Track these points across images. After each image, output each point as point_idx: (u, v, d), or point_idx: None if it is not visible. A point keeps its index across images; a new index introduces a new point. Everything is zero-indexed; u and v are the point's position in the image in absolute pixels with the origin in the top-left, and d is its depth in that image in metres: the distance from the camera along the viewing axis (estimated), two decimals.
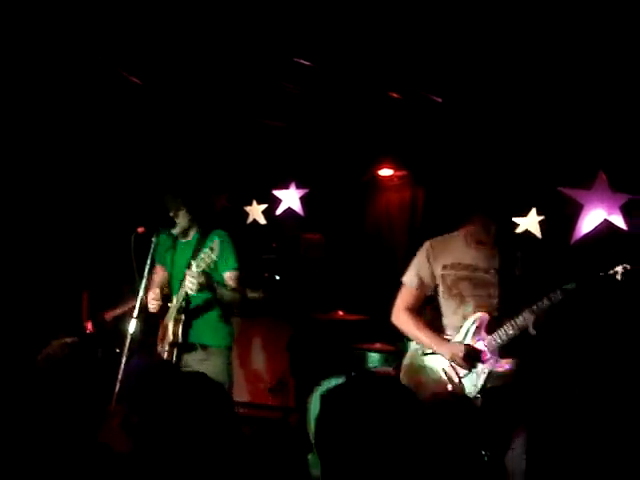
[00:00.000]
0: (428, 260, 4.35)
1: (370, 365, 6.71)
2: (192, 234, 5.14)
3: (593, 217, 6.42)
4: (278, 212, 8.39)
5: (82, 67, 6.11)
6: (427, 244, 4.42)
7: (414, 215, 7.78)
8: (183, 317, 4.92)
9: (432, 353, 4.26)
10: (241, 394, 7.42)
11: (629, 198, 6.25)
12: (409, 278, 4.42)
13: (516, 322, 4.03)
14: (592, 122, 6.25)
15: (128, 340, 4.56)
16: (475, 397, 4.05)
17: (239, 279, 4.98)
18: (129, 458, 2.36)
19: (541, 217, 6.74)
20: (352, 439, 1.90)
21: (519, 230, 6.74)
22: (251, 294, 7.31)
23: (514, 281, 4.17)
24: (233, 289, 4.94)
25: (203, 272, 4.58)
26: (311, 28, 5.27)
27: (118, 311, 6.84)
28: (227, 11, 5.12)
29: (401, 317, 4.43)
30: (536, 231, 6.74)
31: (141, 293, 4.67)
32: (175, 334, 4.92)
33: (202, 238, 5.05)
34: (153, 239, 4.78)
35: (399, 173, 7.89)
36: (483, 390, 4.06)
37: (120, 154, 7.86)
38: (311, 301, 7.76)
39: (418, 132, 7.17)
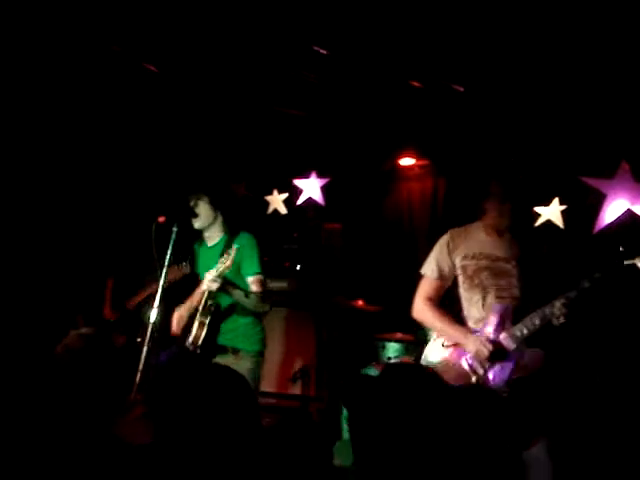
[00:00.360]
0: (448, 250, 4.35)
1: (390, 355, 6.70)
2: (217, 237, 5.14)
3: (616, 207, 6.37)
4: (299, 202, 8.39)
5: (101, 57, 6.12)
6: (447, 234, 4.40)
7: (435, 205, 7.76)
8: (208, 320, 4.93)
9: (454, 345, 4.23)
10: (264, 384, 7.44)
11: None
12: (429, 269, 4.40)
13: (544, 312, 3.97)
14: (615, 111, 6.20)
15: (150, 329, 4.57)
16: (502, 390, 4.01)
17: (262, 284, 4.99)
18: (147, 450, 2.37)
19: (564, 207, 6.70)
20: (386, 427, 1.90)
21: (541, 220, 6.71)
22: (278, 284, 7.33)
23: (535, 271, 4.13)
24: (254, 294, 4.96)
25: (220, 276, 4.62)
26: (331, 16, 5.24)
27: (139, 298, 6.87)
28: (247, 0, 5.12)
29: (423, 309, 4.39)
30: (558, 221, 6.70)
31: (161, 282, 4.68)
32: (197, 336, 4.94)
33: (230, 239, 5.07)
34: (174, 228, 4.79)
35: (420, 162, 7.87)
36: (509, 382, 4.01)
37: (142, 144, 7.88)
38: (332, 291, 7.76)
39: (439, 121, 7.14)
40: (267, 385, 7.49)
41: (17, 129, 6.80)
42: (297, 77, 6.45)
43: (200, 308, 4.93)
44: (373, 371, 6.03)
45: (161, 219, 4.79)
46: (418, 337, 6.37)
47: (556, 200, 6.71)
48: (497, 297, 4.15)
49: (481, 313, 4.19)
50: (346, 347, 7.29)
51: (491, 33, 5.28)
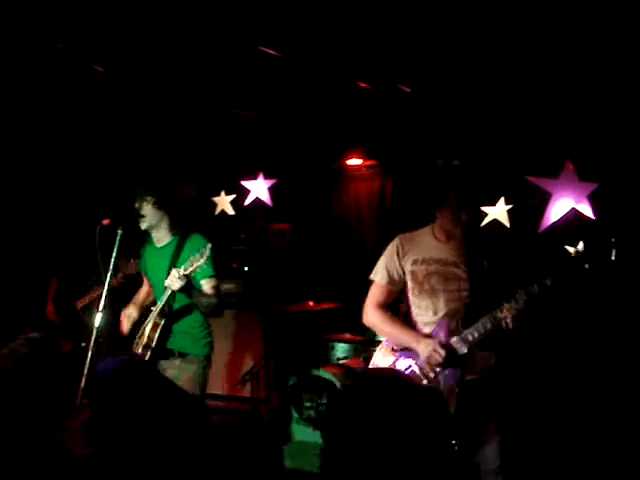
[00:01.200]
0: (398, 256, 4.28)
1: (339, 355, 6.70)
2: (167, 238, 5.08)
3: (561, 206, 6.45)
4: (246, 202, 8.37)
5: (48, 56, 6.02)
6: (396, 240, 4.35)
7: (383, 205, 7.80)
8: (162, 322, 4.88)
9: (404, 349, 4.24)
10: (211, 386, 7.39)
11: (596, 187, 6.29)
12: (379, 275, 4.34)
13: (495, 316, 3.97)
14: (559, 111, 6.28)
15: (94, 334, 4.50)
16: (452, 390, 4.02)
17: (216, 287, 4.95)
18: (89, 460, 2.33)
19: (509, 206, 6.77)
20: (361, 436, 1.90)
21: (488, 219, 6.78)
22: (226, 285, 7.30)
23: (484, 274, 4.15)
24: (210, 296, 4.92)
25: (186, 275, 4.58)
26: (279, 17, 5.22)
27: (87, 300, 6.80)
28: (194, 0, 5.07)
29: (373, 315, 4.33)
30: (504, 220, 6.77)
31: (106, 286, 4.62)
32: (150, 338, 4.87)
33: (181, 241, 5.01)
34: (118, 231, 4.72)
35: (368, 163, 7.91)
36: (461, 383, 4.02)
37: (88, 144, 7.79)
38: (280, 292, 7.75)
39: (386, 122, 7.17)
40: (216, 387, 7.46)
41: None
42: (245, 78, 6.42)
43: (157, 308, 4.87)
44: (322, 373, 6.02)
45: (105, 221, 4.72)
46: (367, 337, 6.39)
47: (502, 200, 6.78)
48: (447, 301, 4.12)
49: (431, 318, 4.16)
50: (295, 348, 7.27)
51: (436, 34, 5.30)
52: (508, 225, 6.75)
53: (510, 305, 3.94)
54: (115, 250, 4.68)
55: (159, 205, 4.92)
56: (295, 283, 7.85)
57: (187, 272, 4.58)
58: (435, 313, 4.14)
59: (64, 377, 2.86)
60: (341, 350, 6.78)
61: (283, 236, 8.21)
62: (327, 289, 7.59)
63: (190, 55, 5.99)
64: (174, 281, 4.60)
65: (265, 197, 8.28)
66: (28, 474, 2.38)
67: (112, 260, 4.66)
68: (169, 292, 4.72)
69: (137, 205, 4.87)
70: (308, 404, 6.01)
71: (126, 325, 5.17)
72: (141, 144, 7.94)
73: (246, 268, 8.06)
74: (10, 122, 7.07)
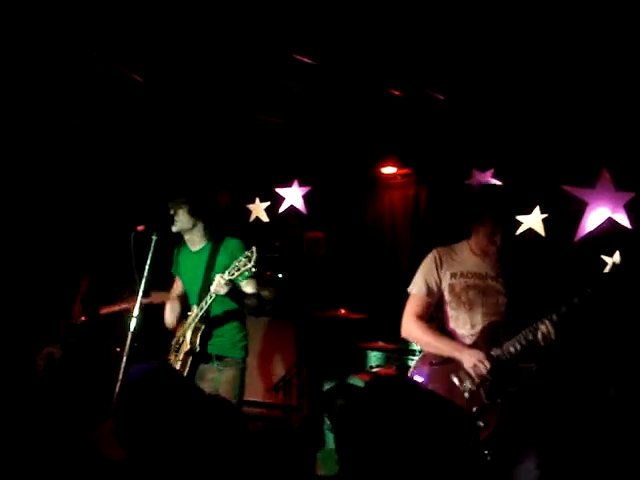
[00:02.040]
0: (436, 268, 4.30)
1: (372, 364, 6.69)
2: (202, 243, 5.10)
3: (597, 215, 6.40)
4: (281, 210, 8.39)
5: (84, 64, 6.09)
6: (434, 252, 4.35)
7: (417, 213, 7.78)
8: (203, 326, 4.89)
9: (442, 362, 4.19)
10: (246, 393, 7.42)
11: (633, 196, 6.23)
12: (417, 287, 4.33)
13: (536, 328, 3.95)
14: (596, 120, 6.23)
15: (129, 339, 4.53)
16: (495, 402, 3.98)
17: (256, 285, 4.96)
18: (122, 466, 2.34)
19: (545, 215, 6.72)
20: (372, 437, 1.90)
21: (523, 228, 6.73)
22: (263, 292, 7.30)
23: (522, 289, 4.14)
24: (252, 296, 4.93)
25: (231, 281, 4.58)
26: (314, 25, 5.24)
27: (115, 308, 6.84)
28: (230, 8, 5.10)
29: (413, 327, 4.30)
30: (540, 229, 6.72)
31: (141, 292, 4.65)
32: (193, 343, 4.88)
33: (216, 245, 5.02)
34: (153, 237, 4.75)
35: (402, 171, 7.89)
36: (503, 395, 3.99)
37: (124, 152, 7.87)
38: (314, 300, 7.74)
39: (421, 130, 7.16)
40: (248, 394, 7.45)
41: None
42: (280, 86, 6.45)
43: (197, 313, 4.87)
44: (355, 381, 6.02)
45: (140, 228, 4.75)
46: (400, 346, 6.37)
47: (537, 208, 6.73)
48: (484, 314, 4.13)
49: (468, 331, 4.16)
50: (327, 356, 7.27)
51: (472, 42, 5.29)
52: (543, 234, 6.70)
53: (551, 318, 3.93)
54: (150, 256, 4.71)
55: (192, 211, 4.95)
56: (328, 291, 7.84)
57: (233, 277, 4.56)
58: (473, 326, 4.15)
59: (98, 381, 2.88)
60: (374, 358, 6.77)
61: (318, 244, 8.21)
62: (361, 297, 7.57)
63: (226, 63, 6.03)
64: (221, 286, 4.58)
65: (299, 205, 8.29)
66: (62, 476, 2.40)
67: (146, 267, 4.69)
68: (213, 297, 4.72)
69: (172, 211, 4.90)
70: None
71: (170, 317, 5.20)
72: (177, 151, 8.00)
73: (280, 275, 8.06)
74: (49, 125, 7.17)
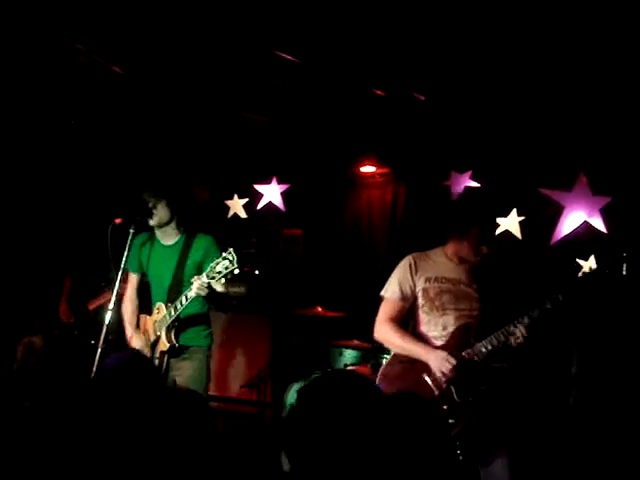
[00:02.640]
0: (411, 273, 4.34)
1: (347, 362, 6.70)
2: (175, 237, 5.07)
3: (573, 219, 6.45)
4: (259, 207, 8.38)
5: (64, 58, 6.06)
6: (409, 258, 4.40)
7: (394, 213, 7.80)
8: (176, 323, 4.88)
9: (413, 361, 4.22)
10: (218, 388, 7.41)
11: (609, 200, 6.28)
12: (391, 291, 4.38)
13: (507, 330, 4.06)
14: (574, 124, 6.27)
15: (104, 332, 4.52)
16: (465, 400, 4.05)
17: (225, 284, 4.95)
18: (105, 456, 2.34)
19: (522, 218, 6.76)
20: (322, 435, 1.90)
21: (500, 230, 6.77)
22: (234, 289, 7.29)
23: (495, 294, 4.23)
24: (220, 293, 4.93)
25: (210, 283, 4.56)
26: (296, 22, 5.24)
27: (101, 301, 6.83)
28: (212, 4, 5.09)
29: (385, 329, 4.36)
30: (516, 231, 6.76)
31: (117, 284, 4.63)
32: (171, 340, 4.87)
33: (188, 241, 5.00)
34: (131, 230, 4.74)
35: (381, 170, 7.91)
36: (472, 397, 4.07)
37: (102, 145, 7.83)
38: (291, 297, 7.75)
39: (401, 129, 7.18)
40: (223, 390, 7.47)
41: None
42: (261, 83, 6.45)
43: (174, 313, 4.84)
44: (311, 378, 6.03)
45: (117, 220, 4.74)
46: (375, 345, 6.38)
47: (514, 211, 6.77)
48: (457, 318, 4.20)
49: (440, 332, 4.22)
50: (303, 353, 7.28)
51: (452, 44, 5.31)
52: (520, 236, 6.74)
53: (522, 321, 4.04)
54: (127, 249, 4.70)
55: (171, 205, 4.94)
56: (305, 288, 7.85)
57: (214, 280, 4.54)
58: (444, 328, 4.22)
59: (75, 373, 2.88)
60: (349, 356, 6.78)
61: (295, 241, 8.22)
62: (337, 295, 7.58)
63: (206, 59, 6.02)
64: (202, 289, 4.56)
65: (278, 202, 8.29)
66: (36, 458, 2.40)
67: (124, 259, 4.67)
68: (191, 298, 4.71)
69: (150, 204, 4.88)
70: None
71: (131, 318, 5.18)
72: (155, 145, 7.97)
73: (257, 272, 8.06)
74: (23, 122, 7.11)
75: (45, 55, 6.02)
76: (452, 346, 4.15)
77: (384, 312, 4.39)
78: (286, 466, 2.11)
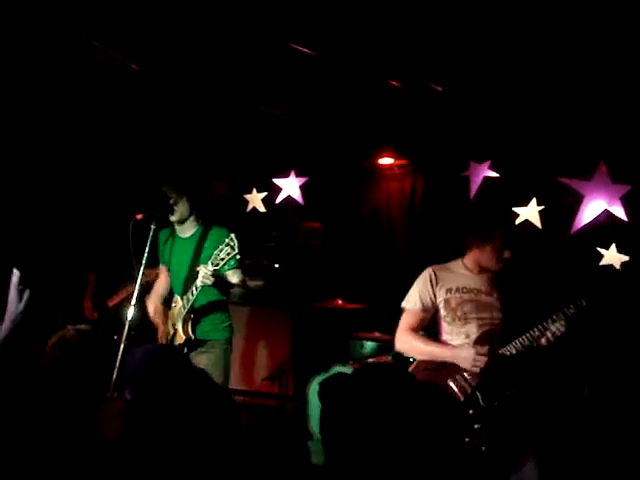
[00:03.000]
0: (431, 285, 4.38)
1: (368, 354, 6.70)
2: (192, 229, 5.11)
3: (593, 208, 6.42)
4: (278, 200, 8.39)
5: (81, 55, 6.09)
6: (429, 270, 4.44)
7: (413, 204, 7.78)
8: (192, 316, 4.91)
9: (436, 368, 4.25)
10: (240, 382, 7.44)
11: (629, 189, 6.24)
12: (412, 302, 4.42)
13: (532, 334, 4.10)
14: (594, 113, 6.24)
15: (127, 327, 4.55)
16: (492, 404, 4.08)
17: (241, 275, 4.98)
18: (122, 446, 2.36)
19: (541, 207, 6.73)
20: (357, 426, 1.91)
21: (519, 220, 6.75)
22: (252, 283, 7.31)
23: (516, 304, 4.28)
24: (237, 285, 4.95)
25: (215, 270, 4.57)
26: (313, 15, 5.24)
27: (119, 297, 6.87)
28: None
29: (407, 339, 4.41)
30: (536, 221, 6.73)
31: (139, 280, 4.66)
32: (187, 332, 4.91)
33: (204, 233, 5.04)
34: (152, 226, 4.77)
35: (399, 162, 7.89)
36: (500, 398, 4.11)
37: (122, 141, 7.86)
38: (310, 290, 7.76)
39: (418, 121, 7.16)
40: (244, 383, 7.50)
41: None
42: (278, 76, 6.44)
43: (184, 304, 4.88)
44: (346, 369, 6.04)
45: (139, 216, 4.77)
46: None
47: (534, 200, 6.75)
48: (479, 327, 4.23)
49: (463, 340, 4.25)
50: (323, 345, 7.29)
51: (470, 33, 5.29)
52: (540, 226, 6.72)
53: (548, 325, 4.08)
54: (148, 245, 4.73)
55: (192, 201, 4.97)
56: (325, 281, 7.85)
57: (218, 267, 4.57)
58: (467, 336, 4.25)
59: (100, 369, 2.89)
60: (370, 348, 6.78)
61: (314, 234, 8.22)
62: (357, 287, 7.59)
63: (224, 52, 6.02)
64: (207, 278, 4.59)
65: (296, 195, 8.29)
66: (64, 456, 2.42)
67: (145, 255, 4.70)
68: (199, 288, 4.73)
69: (172, 200, 4.91)
70: None
71: (155, 317, 5.23)
72: (174, 141, 7.99)
73: (276, 265, 8.08)
74: (45, 120, 7.15)
75: (62, 52, 6.04)
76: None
77: (405, 322, 4.43)
78: (315, 459, 2.12)
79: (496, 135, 6.88)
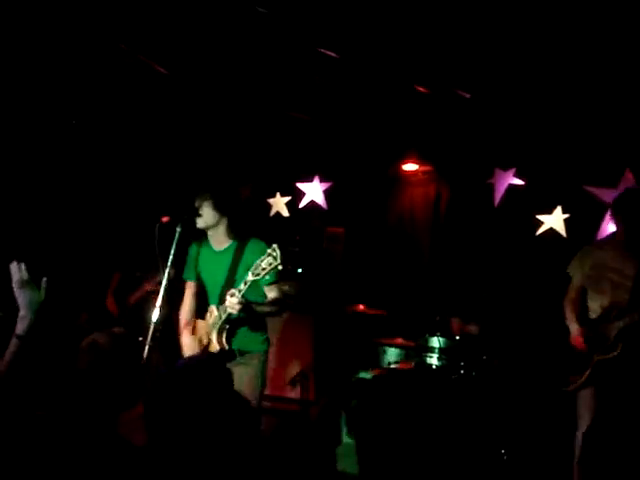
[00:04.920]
0: (580, 261, 5.12)
1: (390, 360, 6.69)
2: (227, 242, 5.05)
3: None
4: (301, 205, 8.40)
5: (111, 57, 6.13)
6: (583, 249, 5.20)
7: (437, 211, 7.77)
8: (228, 326, 4.88)
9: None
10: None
11: None
12: (570, 273, 5.18)
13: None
14: (619, 120, 6.21)
15: (151, 329, 4.55)
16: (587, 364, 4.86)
17: (278, 290, 4.95)
18: (144, 451, 2.36)
19: (566, 215, 6.70)
20: (390, 429, 1.92)
21: (544, 228, 6.72)
22: (285, 288, 7.31)
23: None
24: (272, 303, 4.92)
25: (244, 297, 4.54)
26: (338, 20, 5.24)
27: (141, 293, 6.90)
28: (255, 3, 5.11)
29: (565, 307, 5.14)
30: (561, 229, 6.70)
31: (164, 283, 4.66)
32: (221, 343, 4.84)
33: (241, 245, 4.99)
34: (177, 229, 4.76)
35: (424, 168, 7.88)
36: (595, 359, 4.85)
37: (150, 144, 7.91)
38: (333, 295, 7.75)
39: (444, 127, 7.15)
40: (267, 388, 7.49)
41: (26, 128, 6.84)
42: (303, 80, 6.46)
43: (220, 315, 4.83)
44: (368, 375, 6.03)
45: (165, 219, 4.76)
46: (419, 342, 6.36)
47: (559, 208, 6.72)
48: (611, 302, 4.86)
49: (598, 312, 4.95)
50: (346, 351, 7.28)
51: (498, 40, 5.28)
52: (564, 234, 6.69)
53: None
54: (173, 247, 4.72)
55: (217, 207, 4.91)
56: (348, 286, 7.85)
57: (258, 277, 4.50)
58: (602, 309, 4.93)
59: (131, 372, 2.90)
60: (393, 354, 6.76)
61: (338, 239, 8.22)
62: (380, 293, 7.57)
63: (249, 57, 6.04)
64: (232, 307, 4.48)
65: (320, 200, 8.30)
66: (90, 460, 2.42)
67: (170, 257, 4.70)
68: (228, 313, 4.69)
69: (197, 204, 4.88)
70: None
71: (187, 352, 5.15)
72: (202, 144, 8.03)
73: (300, 270, 8.08)
74: (74, 120, 7.22)
75: (90, 55, 6.08)
76: (601, 320, 4.91)
77: (567, 292, 5.19)
78: (340, 465, 2.13)
79: (522, 142, 6.85)
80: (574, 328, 5.01)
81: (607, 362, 4.80)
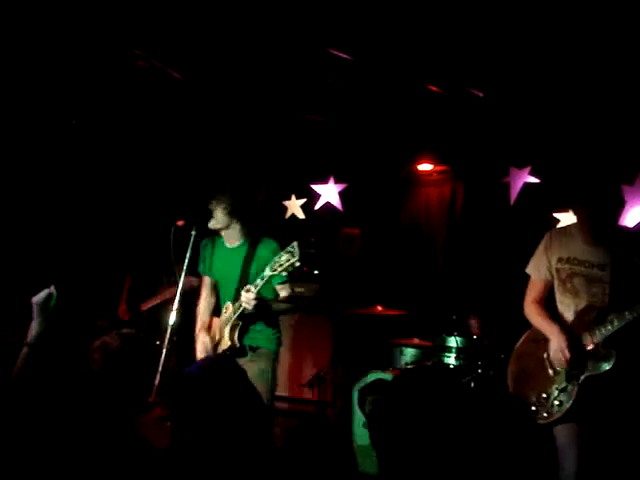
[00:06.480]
0: (545, 251, 4.39)
1: (407, 360, 6.68)
2: (240, 239, 5.07)
3: (636, 213, 6.33)
4: (317, 207, 8.40)
5: (125, 62, 6.15)
6: (547, 234, 4.45)
7: (453, 210, 7.75)
8: (241, 323, 4.89)
9: (542, 340, 4.28)
10: (279, 388, 7.44)
11: None
12: (531, 269, 4.50)
13: (625, 315, 3.97)
14: (635, 117, 6.18)
15: (168, 333, 4.56)
16: (573, 384, 4.07)
17: (290, 289, 4.96)
18: (168, 453, 2.37)
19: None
20: (407, 431, 1.91)
21: (560, 226, 6.69)
22: (295, 289, 7.31)
23: (628, 278, 4.11)
24: (283, 298, 4.93)
25: (259, 294, 4.56)
26: (351, 21, 5.24)
27: (153, 302, 6.91)
28: (266, 4, 5.12)
29: (528, 309, 4.46)
30: None
31: (180, 286, 4.68)
32: (233, 339, 4.86)
33: (253, 244, 5.00)
34: (192, 232, 4.77)
35: (438, 168, 7.87)
36: (582, 378, 4.08)
37: (164, 147, 7.93)
38: (350, 296, 7.75)
39: (458, 127, 7.14)
40: (283, 389, 7.50)
41: (41, 131, 6.88)
42: (316, 82, 6.46)
43: (234, 311, 4.85)
44: (385, 375, 6.03)
45: (180, 223, 4.77)
46: (436, 343, 6.36)
47: None
48: (588, 302, 4.16)
49: (572, 317, 4.23)
50: (363, 352, 7.27)
51: (512, 39, 5.27)
52: None
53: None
54: (189, 251, 4.74)
55: (230, 211, 4.93)
56: (365, 287, 7.84)
57: (275, 272, 4.52)
58: (576, 313, 4.21)
59: (144, 373, 2.92)
60: (410, 355, 6.75)
61: (353, 241, 8.22)
62: (397, 294, 7.56)
63: (262, 59, 6.05)
64: (247, 302, 4.53)
65: (335, 201, 8.30)
66: (110, 462, 2.44)
67: (186, 261, 4.71)
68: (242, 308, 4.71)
69: (211, 207, 4.89)
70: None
71: (200, 353, 5.16)
72: (217, 147, 8.05)
73: (316, 272, 8.08)
74: (88, 124, 7.25)
75: (105, 60, 6.11)
76: (576, 326, 4.16)
77: (528, 291, 4.50)
78: (362, 467, 2.12)
79: (536, 140, 6.83)
80: (556, 335, 4.15)
81: (598, 379, 4.07)
